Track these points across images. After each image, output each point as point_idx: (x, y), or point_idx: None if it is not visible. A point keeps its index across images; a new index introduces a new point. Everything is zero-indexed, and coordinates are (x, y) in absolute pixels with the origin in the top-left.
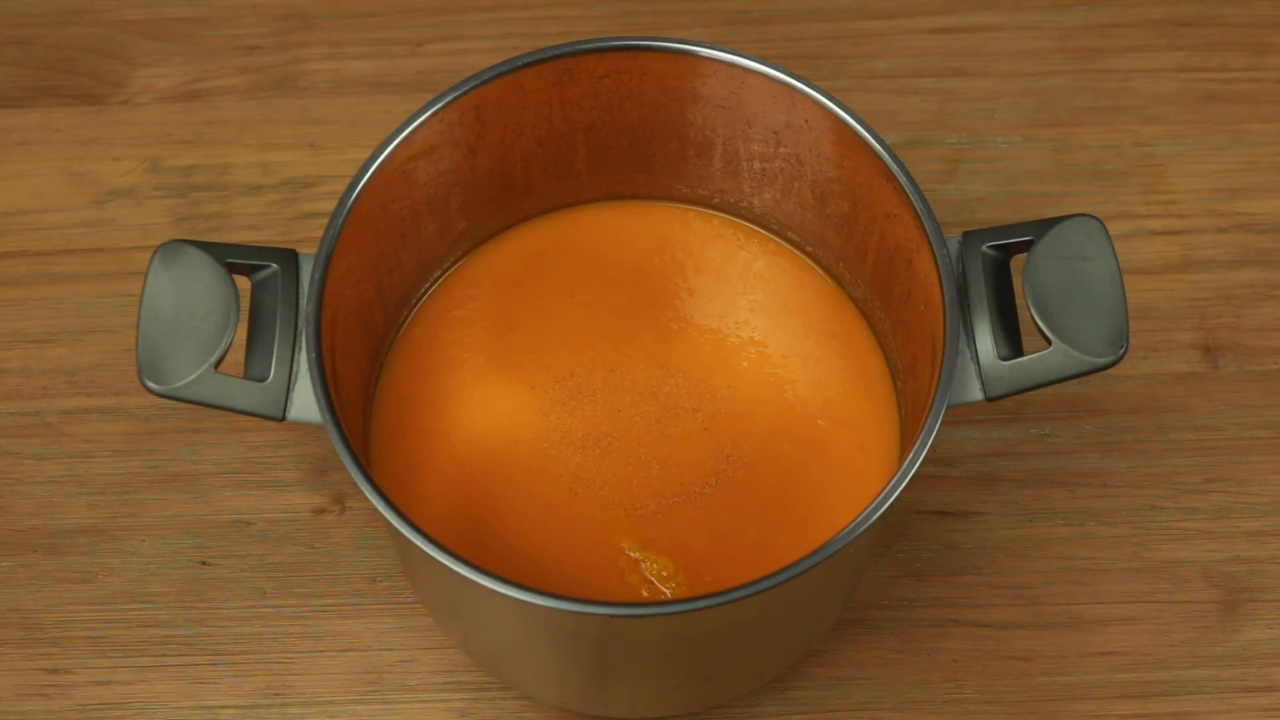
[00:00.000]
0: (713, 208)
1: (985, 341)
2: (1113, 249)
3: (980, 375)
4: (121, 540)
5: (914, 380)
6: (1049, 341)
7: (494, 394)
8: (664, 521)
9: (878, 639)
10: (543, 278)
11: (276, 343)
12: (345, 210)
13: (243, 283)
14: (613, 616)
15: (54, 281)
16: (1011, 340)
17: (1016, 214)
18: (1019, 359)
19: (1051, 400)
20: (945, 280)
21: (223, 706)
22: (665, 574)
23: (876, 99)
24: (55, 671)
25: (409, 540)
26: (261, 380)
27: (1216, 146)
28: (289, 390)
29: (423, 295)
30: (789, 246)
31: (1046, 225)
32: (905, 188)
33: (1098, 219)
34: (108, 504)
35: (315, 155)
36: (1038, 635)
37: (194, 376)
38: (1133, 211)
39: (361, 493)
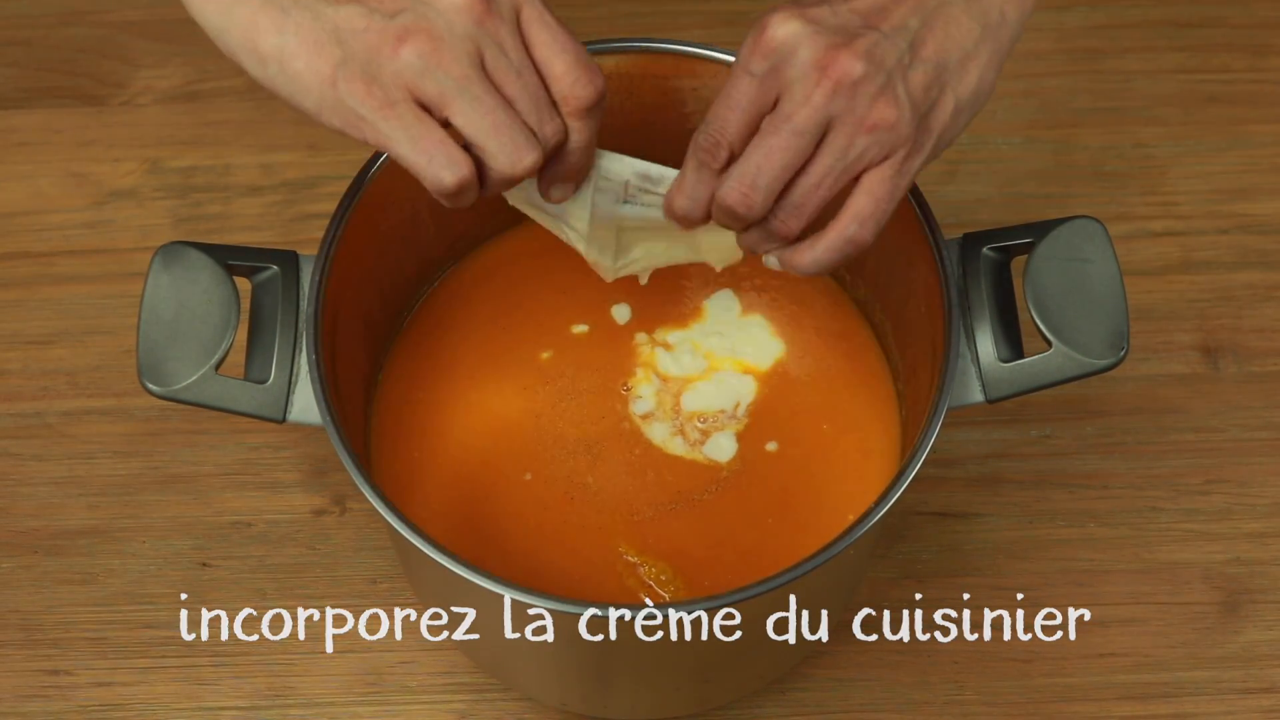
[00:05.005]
0: None
1: (986, 343)
2: (1113, 251)
3: (981, 377)
4: (122, 541)
5: (915, 382)
6: (1049, 343)
7: (489, 396)
8: (662, 526)
9: (878, 640)
10: (541, 278)
11: (277, 344)
12: (346, 212)
13: (243, 284)
14: (612, 619)
15: (54, 283)
16: (1012, 342)
17: (1017, 215)
18: (1019, 361)
19: (1052, 402)
20: (946, 282)
21: (223, 708)
22: (664, 578)
23: None
24: (56, 673)
25: (409, 542)
26: (262, 382)
27: (1217, 148)
28: (289, 392)
29: (422, 296)
30: None
31: (1047, 227)
32: None
33: (1098, 221)
34: (108, 505)
35: (315, 156)
36: (1038, 637)
37: (194, 378)
38: (1133, 213)
39: (362, 494)
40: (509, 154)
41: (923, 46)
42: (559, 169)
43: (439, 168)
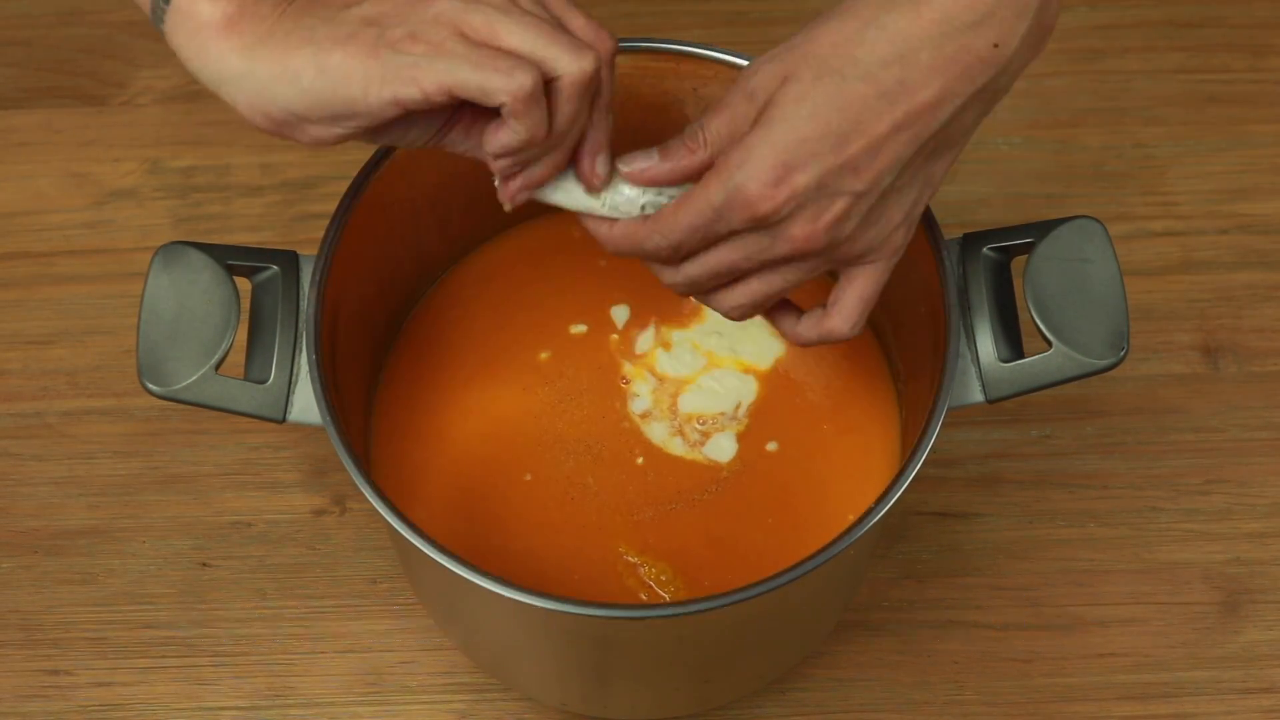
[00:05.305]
0: None
1: (986, 343)
2: (1113, 251)
3: (981, 377)
4: (122, 541)
5: (915, 382)
6: (1049, 343)
7: (489, 395)
8: (662, 527)
9: (879, 640)
10: (541, 278)
11: (277, 344)
12: (346, 211)
13: (243, 284)
14: (613, 619)
15: (55, 282)
16: (1012, 342)
17: (1017, 215)
18: (1019, 361)
19: (1052, 402)
20: (946, 282)
21: (223, 708)
22: (664, 578)
23: None
24: (56, 673)
25: (410, 542)
26: (262, 382)
27: (1217, 148)
28: (289, 392)
29: (422, 296)
30: None
31: (1047, 227)
32: None
33: (1098, 221)
34: (108, 505)
35: (315, 156)
36: (1039, 637)
37: (195, 378)
38: (1133, 213)
39: (362, 494)
40: (571, 54)
41: (910, 168)
42: (593, 137)
43: (511, 76)
